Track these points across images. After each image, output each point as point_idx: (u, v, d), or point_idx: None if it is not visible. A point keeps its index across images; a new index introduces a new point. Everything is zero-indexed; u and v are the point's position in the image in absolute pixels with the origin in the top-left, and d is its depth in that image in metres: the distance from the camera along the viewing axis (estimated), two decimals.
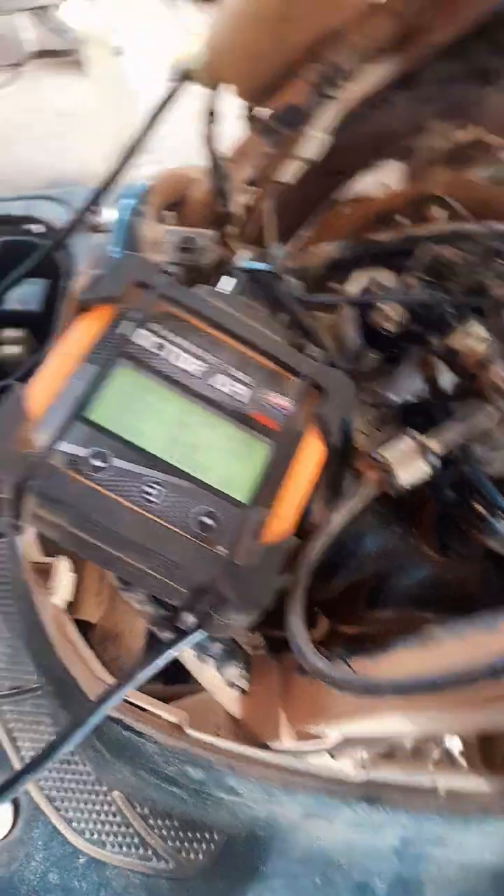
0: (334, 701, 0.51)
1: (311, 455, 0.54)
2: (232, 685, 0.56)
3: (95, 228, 1.06)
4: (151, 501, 0.49)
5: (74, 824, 0.65)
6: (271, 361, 0.57)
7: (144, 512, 0.48)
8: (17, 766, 0.68)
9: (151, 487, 0.49)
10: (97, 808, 0.66)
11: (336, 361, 0.62)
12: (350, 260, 0.81)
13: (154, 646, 0.55)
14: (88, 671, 0.61)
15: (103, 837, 0.64)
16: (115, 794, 0.66)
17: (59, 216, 1.07)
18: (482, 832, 0.54)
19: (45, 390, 0.51)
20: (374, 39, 0.71)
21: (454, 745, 0.59)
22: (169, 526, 0.48)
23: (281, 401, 0.55)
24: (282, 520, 0.51)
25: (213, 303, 0.58)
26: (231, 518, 0.49)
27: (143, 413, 0.52)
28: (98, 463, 0.49)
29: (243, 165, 0.76)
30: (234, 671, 0.57)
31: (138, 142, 0.85)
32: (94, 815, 0.65)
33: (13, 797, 0.65)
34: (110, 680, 0.58)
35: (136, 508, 0.48)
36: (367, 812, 0.54)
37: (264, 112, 0.74)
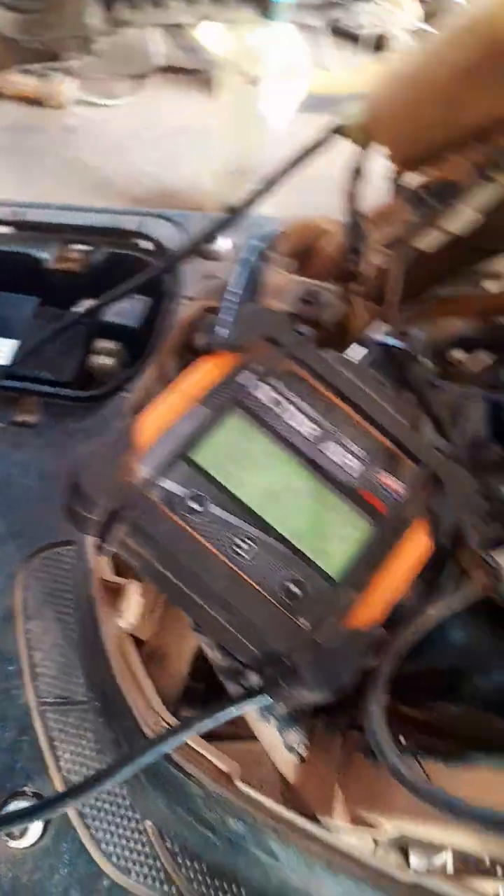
0: (398, 794, 0.50)
1: (416, 548, 0.53)
2: (291, 749, 0.56)
3: (207, 256, 1.08)
4: (241, 556, 0.49)
5: (103, 845, 0.65)
6: (390, 441, 0.56)
7: (232, 565, 0.48)
8: (55, 774, 0.68)
9: (243, 542, 0.49)
10: (127, 833, 0.66)
11: (455, 446, 0.61)
12: (480, 341, 0.80)
13: (216, 695, 0.55)
14: (145, 702, 0.61)
15: (129, 865, 0.64)
16: (148, 823, 0.66)
17: (169, 236, 1.10)
18: None
19: (155, 424, 0.52)
20: None
21: None
22: (254, 585, 0.48)
23: (394, 484, 0.54)
24: (371, 607, 0.50)
25: (340, 370, 0.58)
26: (319, 592, 0.49)
27: (248, 465, 0.52)
28: (195, 505, 0.49)
29: (382, 228, 0.76)
30: (295, 737, 0.56)
31: (275, 181, 0.86)
32: (124, 841, 0.65)
33: (48, 818, 0.66)
34: (166, 715, 0.58)
35: (224, 559, 0.48)
36: None
37: (412, 179, 0.74)
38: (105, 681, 0.66)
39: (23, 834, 0.65)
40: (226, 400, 0.53)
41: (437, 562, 0.55)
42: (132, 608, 0.66)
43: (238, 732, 0.64)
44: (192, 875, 0.63)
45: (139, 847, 0.65)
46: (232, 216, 0.93)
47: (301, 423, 0.55)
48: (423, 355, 0.65)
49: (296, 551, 0.50)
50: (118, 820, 0.66)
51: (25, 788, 0.68)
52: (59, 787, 0.68)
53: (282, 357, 0.56)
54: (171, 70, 2.36)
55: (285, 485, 0.52)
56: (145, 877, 0.64)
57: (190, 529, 0.48)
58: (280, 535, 0.50)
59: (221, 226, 0.95)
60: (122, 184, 2.05)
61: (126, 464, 0.50)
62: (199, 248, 1.05)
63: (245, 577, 0.48)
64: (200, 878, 0.63)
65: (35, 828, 0.66)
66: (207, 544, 0.48)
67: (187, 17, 1.95)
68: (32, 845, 0.65)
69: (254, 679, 0.49)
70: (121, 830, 0.66)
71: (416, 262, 0.90)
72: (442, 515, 0.54)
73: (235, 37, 1.60)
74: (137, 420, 0.52)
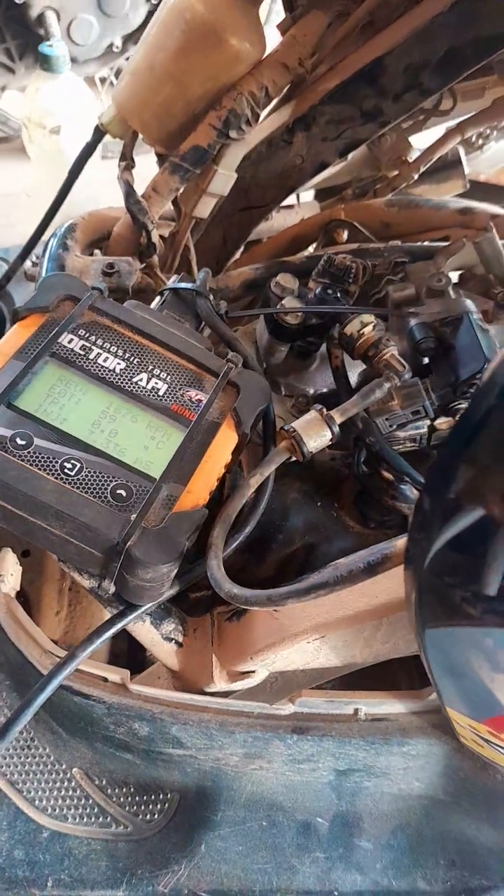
0: (257, 637, 0.57)
1: (226, 442, 0.61)
2: (169, 639, 0.62)
3: (33, 278, 1.16)
4: (70, 475, 0.54)
5: (37, 803, 0.69)
6: (191, 364, 0.65)
7: (62, 483, 0.54)
8: None
9: (71, 464, 0.55)
10: (58, 785, 0.69)
11: (253, 364, 0.69)
12: (264, 279, 0.91)
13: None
14: (39, 647, 0.66)
15: (65, 812, 0.68)
16: (75, 770, 0.70)
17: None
18: (404, 755, 0.59)
19: None
20: (268, 88, 0.82)
21: None
22: (83, 494, 0.54)
23: (198, 395, 0.63)
24: (194, 495, 0.57)
25: (139, 314, 0.66)
26: (144, 491, 0.55)
27: (67, 403, 0.59)
28: (21, 441, 0.55)
29: (157, 201, 0.85)
30: (170, 626, 0.62)
31: (64, 192, 0.96)
32: (56, 793, 0.69)
33: None
34: (57, 651, 0.63)
35: (53, 479, 0.54)
36: (296, 743, 0.59)
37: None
38: (3, 647, 0.71)
39: None
40: (39, 352, 0.60)
41: (241, 447, 0.63)
42: (12, 573, 0.71)
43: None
44: (122, 800, 0.67)
45: (70, 793, 0.69)
46: (37, 235, 1.02)
47: (110, 361, 0.62)
48: (205, 293, 0.73)
49: (119, 463, 0.57)
50: (46, 776, 0.70)
51: None
52: None
53: (84, 310, 0.64)
54: None
55: (104, 414, 0.59)
56: (81, 817, 0.67)
57: (19, 461, 0.54)
58: (104, 453, 0.57)
59: (28, 249, 1.04)
60: None
61: None
62: (25, 272, 1.13)
63: (75, 489, 0.54)
64: (130, 799, 0.67)
65: None
66: (37, 470, 0.54)
67: None
68: None
69: (110, 587, 0.55)
70: (50, 785, 0.69)
71: (206, 235, 1.01)
72: (242, 411, 0.62)
73: (29, 97, 1.70)
74: None
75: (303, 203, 1.15)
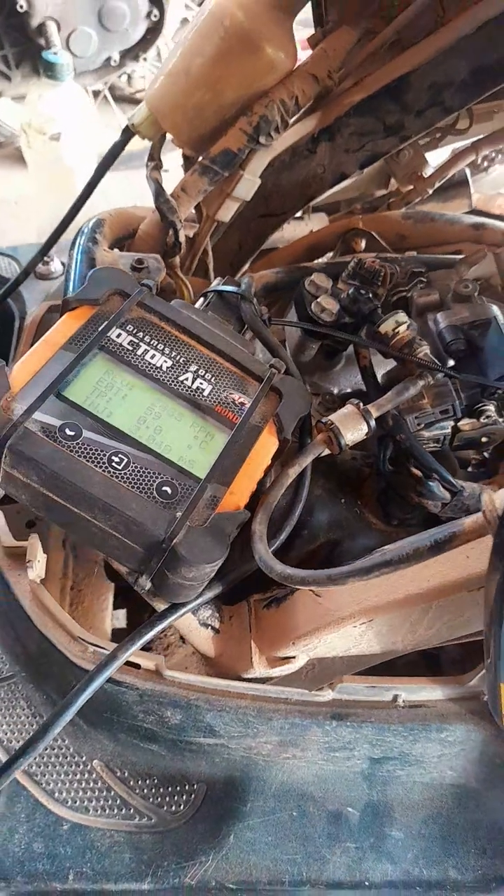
0: (299, 622, 0.58)
1: (267, 447, 0.62)
2: (206, 626, 0.62)
3: (44, 277, 1.16)
4: (117, 469, 0.55)
5: (57, 795, 0.67)
6: (235, 367, 0.66)
7: (109, 475, 0.54)
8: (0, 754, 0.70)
9: (118, 457, 0.55)
10: (78, 777, 0.68)
11: (294, 371, 0.70)
12: (285, 283, 0.93)
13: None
14: (67, 635, 0.65)
15: (86, 804, 0.67)
16: (95, 762, 0.69)
17: (9, 269, 1.17)
18: (441, 741, 0.60)
19: (26, 370, 0.58)
20: (298, 98, 0.85)
21: None
22: (130, 489, 0.54)
23: (241, 399, 0.63)
24: (236, 496, 0.57)
25: (186, 313, 0.67)
26: (189, 490, 0.56)
27: (115, 397, 0.59)
28: (70, 432, 0.55)
29: (185, 202, 0.87)
30: (206, 612, 0.62)
31: (88, 192, 0.97)
32: (76, 785, 0.68)
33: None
34: (88, 637, 0.63)
35: (101, 472, 0.54)
36: (335, 730, 0.59)
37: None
38: (27, 638, 0.70)
39: None
40: (88, 344, 0.60)
41: (281, 452, 0.64)
42: (39, 559, 0.70)
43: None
44: (145, 792, 0.67)
45: (91, 786, 0.68)
46: (55, 235, 1.02)
47: (157, 359, 0.63)
48: (250, 297, 0.74)
49: (165, 461, 0.57)
50: (66, 769, 0.68)
51: None
52: (4, 759, 0.69)
53: (133, 306, 0.65)
54: None
55: (150, 410, 0.60)
56: (102, 809, 0.66)
57: (67, 451, 0.54)
58: (150, 449, 0.57)
59: (47, 246, 1.04)
60: None
61: (3, 404, 0.55)
62: (35, 271, 1.13)
63: (122, 483, 0.54)
64: (154, 791, 0.66)
65: None
66: (85, 462, 0.54)
67: None
68: None
69: (146, 584, 0.55)
70: (70, 777, 0.68)
71: (225, 239, 1.02)
72: (283, 417, 0.63)
73: (28, 104, 1.71)
74: (10, 368, 0.57)
75: (312, 215, 1.17)
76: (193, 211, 0.95)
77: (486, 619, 0.44)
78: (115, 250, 0.90)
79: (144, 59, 2.15)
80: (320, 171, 0.94)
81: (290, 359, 0.72)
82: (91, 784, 0.68)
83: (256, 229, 1.01)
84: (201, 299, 0.75)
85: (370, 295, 0.74)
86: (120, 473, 0.55)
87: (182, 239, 0.87)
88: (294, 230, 1.15)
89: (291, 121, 0.88)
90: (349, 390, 0.81)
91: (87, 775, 0.68)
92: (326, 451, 0.67)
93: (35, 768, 0.69)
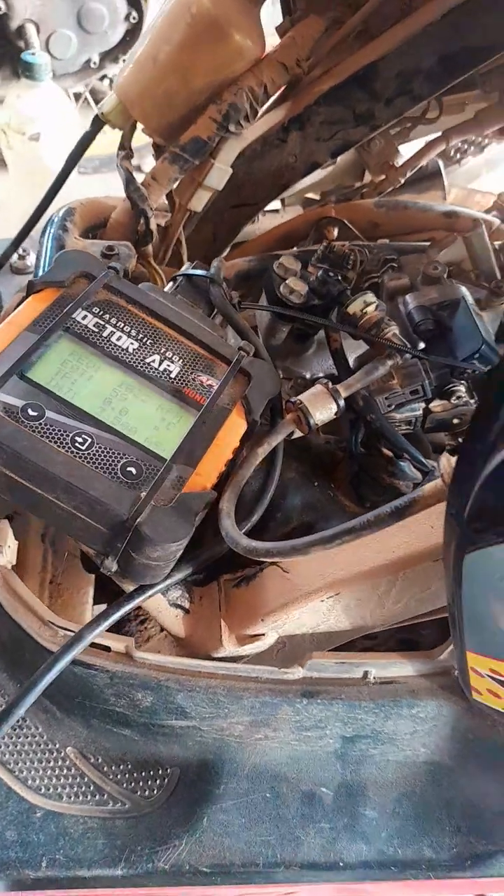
0: (268, 598, 0.57)
1: (235, 428, 0.62)
2: (176, 606, 0.61)
3: (19, 271, 1.16)
4: (80, 449, 0.54)
5: (30, 783, 0.66)
6: (203, 349, 0.65)
7: (72, 456, 0.54)
8: None
9: (82, 438, 0.55)
10: (51, 764, 0.67)
11: (264, 354, 0.70)
12: (258, 271, 0.93)
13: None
14: (38, 619, 0.65)
15: (59, 791, 0.66)
16: (69, 749, 0.68)
17: None
18: (413, 717, 0.60)
19: None
20: (267, 86, 0.85)
21: None
22: (94, 469, 0.53)
23: (209, 381, 0.63)
24: (203, 477, 0.57)
25: (154, 296, 0.67)
26: (154, 470, 0.55)
27: (80, 378, 0.59)
28: (33, 413, 0.55)
29: (155, 190, 0.87)
30: (176, 593, 0.62)
31: (59, 184, 0.97)
32: (49, 772, 0.67)
33: None
34: (59, 622, 0.62)
35: (64, 452, 0.53)
36: (305, 708, 0.59)
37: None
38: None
39: None
40: (52, 326, 0.60)
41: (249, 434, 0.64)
42: (9, 545, 0.69)
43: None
44: (119, 778, 0.66)
45: (65, 772, 0.67)
46: (27, 228, 1.02)
47: (123, 341, 0.62)
48: (220, 281, 0.74)
49: (131, 442, 0.57)
50: (38, 755, 0.68)
51: None
52: None
53: (100, 288, 0.64)
54: None
55: (116, 392, 0.59)
56: (76, 796, 0.66)
57: (29, 431, 0.54)
58: (115, 430, 0.57)
59: (19, 239, 1.04)
60: None
61: None
62: (11, 265, 1.13)
63: (85, 463, 0.54)
64: (128, 776, 0.66)
65: None
66: (48, 442, 0.54)
67: None
68: None
69: (112, 565, 0.54)
70: (44, 764, 0.67)
71: (198, 230, 1.03)
72: (252, 399, 0.63)
73: (7, 105, 1.71)
74: None
75: (287, 207, 1.18)
76: (166, 201, 0.95)
77: (448, 586, 0.44)
78: (86, 239, 0.90)
79: (124, 61, 2.16)
80: (292, 160, 0.95)
81: (259, 342, 0.72)
82: (65, 771, 0.67)
83: (230, 219, 1.01)
84: (170, 283, 0.74)
85: (339, 277, 0.74)
86: (83, 454, 0.54)
87: (153, 227, 0.87)
88: (270, 222, 1.15)
89: (261, 109, 0.88)
90: (321, 374, 0.81)
91: (60, 762, 0.68)
92: (298, 434, 0.67)
93: (8, 756, 0.68)
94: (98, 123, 0.90)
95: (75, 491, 0.52)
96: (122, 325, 0.64)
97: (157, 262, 0.97)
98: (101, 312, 0.64)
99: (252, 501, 0.64)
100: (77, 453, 0.54)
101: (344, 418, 0.73)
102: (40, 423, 0.54)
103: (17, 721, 0.70)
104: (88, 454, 0.54)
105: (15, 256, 1.11)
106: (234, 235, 1.03)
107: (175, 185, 0.90)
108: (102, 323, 0.63)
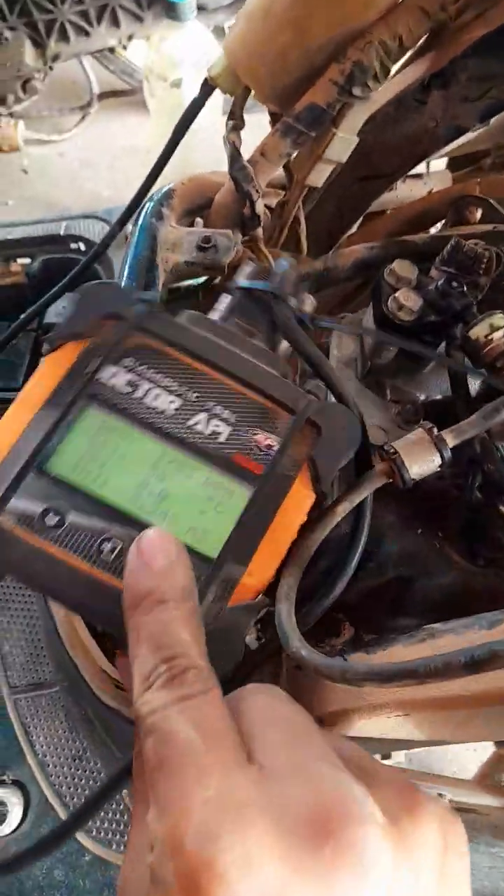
0: (329, 697, 0.49)
1: (299, 503, 0.48)
2: None
3: None
4: (107, 561, 0.44)
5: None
6: (259, 395, 0.51)
7: (97, 568, 0.44)
8: (31, 760, 0.68)
9: (111, 544, 0.45)
10: (106, 807, 0.65)
11: (345, 393, 0.57)
12: (380, 260, 0.79)
13: None
14: (94, 665, 0.61)
15: (109, 836, 0.63)
16: (125, 791, 0.65)
17: (99, 232, 1.12)
18: (492, 856, 0.50)
19: (1, 442, 0.47)
20: (402, 37, 0.70)
21: None
22: (120, 585, 0.40)
23: (268, 440, 0.49)
24: (255, 577, 0.46)
25: (196, 332, 0.53)
26: (196, 577, 0.41)
27: (110, 459, 0.47)
28: (53, 518, 0.45)
29: (264, 167, 0.76)
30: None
31: (169, 152, 0.88)
32: (103, 814, 0.65)
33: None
34: (110, 670, 0.58)
35: (87, 568, 0.44)
36: None
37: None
38: (64, 656, 0.66)
39: (3, 820, 0.65)
40: (76, 395, 0.48)
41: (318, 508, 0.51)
42: None
43: None
44: None
45: (117, 817, 0.64)
46: (140, 197, 0.95)
47: (161, 399, 0.49)
48: (285, 296, 0.59)
49: None
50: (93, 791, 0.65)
51: (3, 777, 0.67)
52: (37, 772, 0.67)
53: (128, 331, 0.51)
54: (109, 95, 2.44)
55: (154, 470, 0.47)
56: (125, 846, 0.63)
57: (47, 547, 0.44)
58: (151, 525, 0.46)
59: (132, 209, 0.97)
60: (84, 211, 2.13)
61: None
62: (124, 234, 1.07)
63: (112, 580, 0.44)
64: None
65: (15, 814, 0.65)
66: (69, 552, 0.45)
67: (113, 40, 2.00)
68: (14, 831, 0.65)
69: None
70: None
71: (320, 205, 0.90)
72: (321, 461, 0.50)
73: (153, 47, 1.63)
74: None
75: (433, 172, 1.01)
76: (283, 173, 0.84)
77: None
78: (191, 224, 0.82)
79: None
80: (432, 125, 0.80)
81: (338, 377, 0.57)
82: (117, 816, 0.64)
83: (358, 193, 0.88)
84: (224, 298, 0.61)
85: (464, 288, 0.60)
86: (110, 565, 0.44)
87: (260, 211, 0.77)
88: (410, 190, 1.00)
89: (395, 67, 0.73)
90: (439, 397, 0.68)
91: (114, 804, 0.65)
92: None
93: (64, 789, 0.66)
94: (208, 88, 0.80)
95: (98, 616, 0.46)
96: (160, 376, 0.50)
97: (272, 244, 0.87)
98: (135, 364, 0.50)
99: (327, 569, 0.54)
100: (103, 565, 0.44)
101: (463, 454, 0.61)
102: (61, 533, 0.45)
103: (78, 752, 0.68)
104: (116, 566, 0.44)
105: (130, 227, 1.05)
106: (361, 211, 0.90)
107: (290, 160, 0.78)
108: (135, 379, 0.49)
